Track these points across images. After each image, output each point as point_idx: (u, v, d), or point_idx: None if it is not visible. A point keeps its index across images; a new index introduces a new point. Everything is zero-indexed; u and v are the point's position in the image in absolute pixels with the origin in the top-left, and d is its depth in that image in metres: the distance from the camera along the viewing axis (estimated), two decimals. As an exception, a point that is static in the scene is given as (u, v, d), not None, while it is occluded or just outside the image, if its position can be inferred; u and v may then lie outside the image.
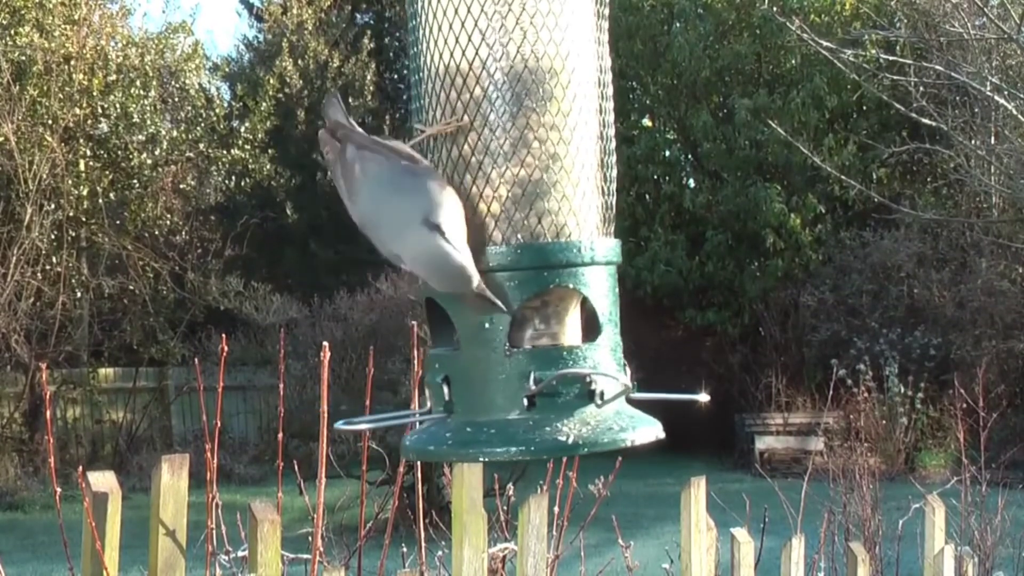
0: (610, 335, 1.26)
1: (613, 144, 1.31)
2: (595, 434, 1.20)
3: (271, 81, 15.71)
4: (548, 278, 1.23)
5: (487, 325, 1.21)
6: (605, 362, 1.24)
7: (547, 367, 1.20)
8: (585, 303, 1.25)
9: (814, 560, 3.63)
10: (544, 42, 1.24)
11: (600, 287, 1.25)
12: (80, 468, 2.03)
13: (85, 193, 13.43)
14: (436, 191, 1.20)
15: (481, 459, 1.23)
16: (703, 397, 1.37)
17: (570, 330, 1.25)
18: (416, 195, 1.19)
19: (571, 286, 1.23)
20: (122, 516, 1.81)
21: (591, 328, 1.26)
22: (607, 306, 1.26)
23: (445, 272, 1.17)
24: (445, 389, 1.24)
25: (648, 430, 1.23)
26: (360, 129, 1.28)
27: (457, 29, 1.24)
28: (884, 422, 12.96)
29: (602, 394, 1.21)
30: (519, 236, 1.23)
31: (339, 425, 1.33)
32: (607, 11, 1.32)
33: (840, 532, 4.70)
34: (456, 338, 1.26)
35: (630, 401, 1.25)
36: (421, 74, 1.30)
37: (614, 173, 1.31)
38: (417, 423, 1.30)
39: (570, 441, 1.19)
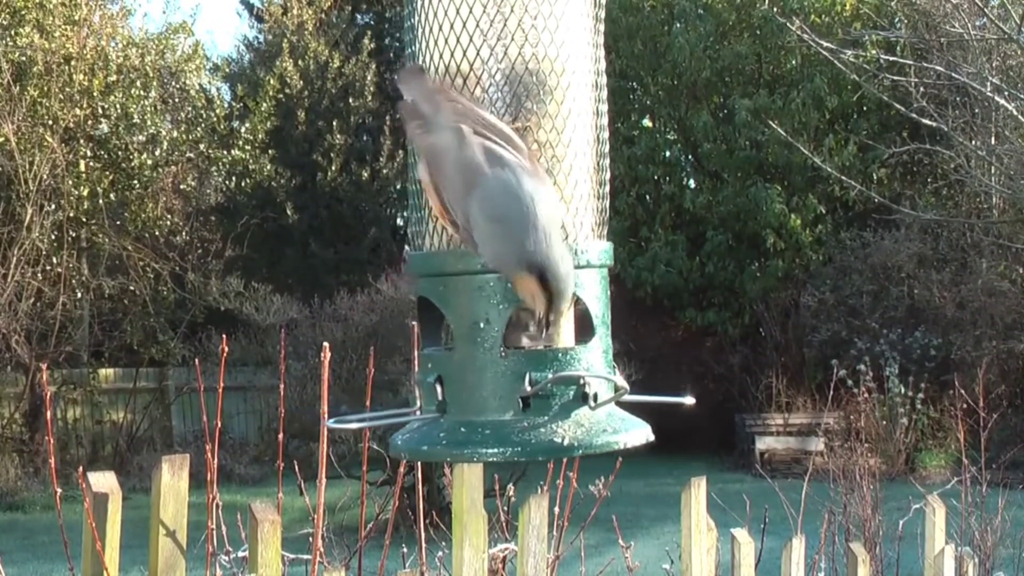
0: (602, 337, 1.26)
1: (607, 147, 1.32)
2: (589, 436, 1.20)
3: (271, 82, 15.71)
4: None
5: (483, 325, 1.21)
6: (597, 364, 1.24)
7: (542, 368, 1.20)
8: (578, 305, 1.25)
9: (814, 560, 3.64)
10: (545, 44, 1.24)
11: (593, 289, 1.26)
12: (80, 468, 2.03)
13: (85, 193, 13.44)
14: (555, 197, 1.20)
15: (475, 459, 1.23)
16: (688, 400, 1.37)
17: (564, 332, 1.25)
18: (551, 200, 1.17)
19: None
20: (122, 516, 1.82)
21: (584, 330, 1.26)
22: (600, 308, 1.26)
23: (572, 276, 1.16)
24: (438, 389, 1.24)
25: (639, 432, 1.24)
26: (453, 99, 1.22)
27: (458, 29, 1.24)
28: (884, 422, 12.96)
29: (595, 396, 1.22)
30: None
31: (330, 423, 1.34)
32: (603, 14, 1.32)
33: (840, 532, 4.70)
34: (448, 338, 1.26)
35: (618, 403, 1.26)
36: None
37: (608, 176, 1.31)
38: (408, 422, 1.30)
39: (565, 443, 1.19)
